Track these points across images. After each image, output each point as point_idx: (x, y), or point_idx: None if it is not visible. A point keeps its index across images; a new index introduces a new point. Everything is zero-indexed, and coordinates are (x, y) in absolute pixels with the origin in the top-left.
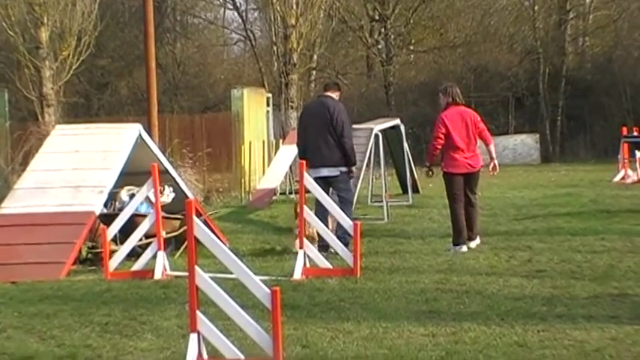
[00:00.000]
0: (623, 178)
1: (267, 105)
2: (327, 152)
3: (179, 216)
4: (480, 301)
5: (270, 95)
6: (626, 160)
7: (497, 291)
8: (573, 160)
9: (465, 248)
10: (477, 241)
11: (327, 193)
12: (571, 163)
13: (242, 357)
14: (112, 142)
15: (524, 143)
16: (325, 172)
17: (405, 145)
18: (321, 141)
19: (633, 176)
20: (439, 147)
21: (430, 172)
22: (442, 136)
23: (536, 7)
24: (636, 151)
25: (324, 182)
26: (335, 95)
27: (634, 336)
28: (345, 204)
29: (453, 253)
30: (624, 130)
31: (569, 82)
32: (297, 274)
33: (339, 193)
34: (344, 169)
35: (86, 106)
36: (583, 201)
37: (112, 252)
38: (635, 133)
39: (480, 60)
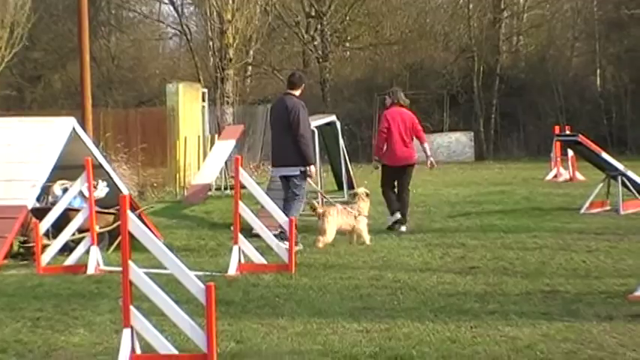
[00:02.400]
0: (555, 176)
1: (203, 100)
2: (285, 152)
3: (113, 211)
4: (414, 298)
5: (205, 90)
6: (559, 159)
7: (431, 287)
8: (507, 158)
9: (398, 215)
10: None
11: (284, 191)
12: (504, 161)
13: (175, 352)
14: (45, 136)
15: (459, 141)
16: (284, 171)
17: (341, 141)
18: (281, 140)
19: (565, 174)
20: (383, 140)
21: (378, 166)
22: (385, 130)
23: (470, 6)
24: (568, 150)
25: (283, 180)
26: (297, 92)
27: (564, 332)
28: (293, 202)
29: (389, 220)
30: (556, 129)
31: (503, 81)
32: (232, 270)
33: (293, 189)
34: (303, 168)
35: (19, 99)
36: (516, 199)
37: (45, 246)
38: (568, 132)
39: (416, 57)
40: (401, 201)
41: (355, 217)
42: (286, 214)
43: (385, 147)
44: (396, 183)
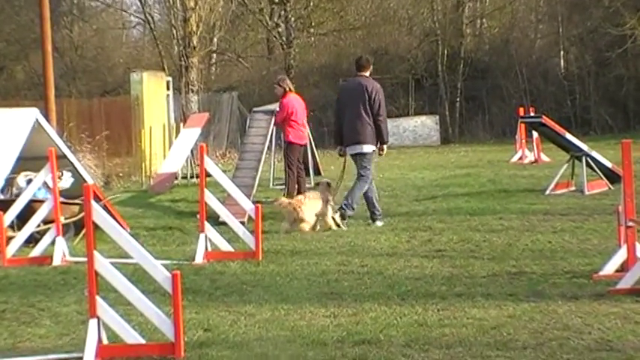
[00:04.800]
0: (520, 158)
1: (167, 89)
2: (362, 130)
3: (78, 201)
4: (381, 282)
5: (170, 79)
6: (523, 141)
7: (398, 271)
8: (472, 141)
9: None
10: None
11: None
12: (470, 144)
13: (143, 341)
14: (8, 127)
15: (424, 125)
16: (359, 149)
17: (307, 127)
18: (358, 119)
19: (530, 156)
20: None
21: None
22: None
23: None
24: (533, 132)
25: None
26: (367, 73)
27: (531, 312)
28: (362, 181)
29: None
30: (521, 111)
31: (468, 64)
32: (199, 258)
33: (361, 170)
34: (375, 147)
35: None
36: (482, 181)
37: (9, 238)
38: (532, 114)
39: (380, 42)
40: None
41: (326, 204)
42: (350, 196)
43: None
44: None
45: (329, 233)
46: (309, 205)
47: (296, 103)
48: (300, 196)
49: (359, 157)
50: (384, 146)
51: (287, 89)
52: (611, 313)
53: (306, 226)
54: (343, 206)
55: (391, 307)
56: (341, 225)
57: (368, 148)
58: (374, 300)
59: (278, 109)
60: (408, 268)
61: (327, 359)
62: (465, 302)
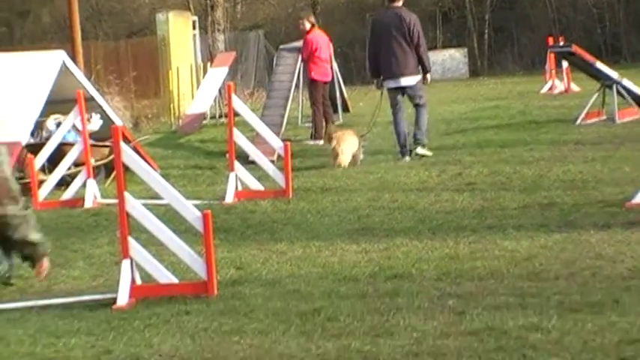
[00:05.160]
0: (550, 88)
1: (194, 28)
2: (405, 62)
3: (107, 143)
4: (412, 216)
5: (195, 18)
6: (553, 71)
7: (429, 205)
8: (501, 73)
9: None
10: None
11: (398, 103)
12: (499, 76)
13: (176, 281)
14: (35, 71)
15: (453, 58)
16: (404, 81)
17: (335, 64)
18: (399, 51)
19: (560, 86)
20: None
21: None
22: None
23: None
24: (563, 61)
25: (399, 91)
26: (400, 3)
27: (562, 243)
28: (422, 111)
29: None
30: (550, 41)
31: None
32: (229, 198)
33: (417, 101)
34: (420, 77)
35: (8, 34)
36: (511, 113)
37: (41, 182)
38: (562, 43)
39: None
40: None
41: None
42: (419, 128)
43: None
44: None
45: (359, 170)
46: (349, 141)
47: (320, 39)
48: (341, 132)
49: (408, 90)
50: (428, 75)
51: (312, 25)
52: None
53: (345, 160)
54: (418, 138)
55: (422, 241)
56: (426, 153)
57: (414, 79)
58: (405, 235)
59: (302, 45)
60: (439, 202)
61: (360, 294)
62: (497, 234)
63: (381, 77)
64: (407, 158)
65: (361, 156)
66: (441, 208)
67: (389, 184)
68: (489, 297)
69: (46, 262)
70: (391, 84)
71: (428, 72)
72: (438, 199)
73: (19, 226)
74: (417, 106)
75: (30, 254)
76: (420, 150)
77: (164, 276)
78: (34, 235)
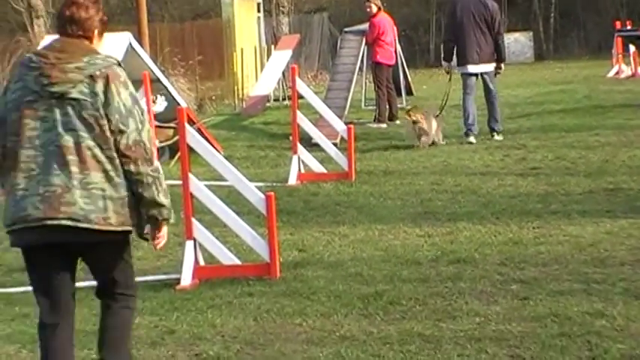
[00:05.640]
0: (617, 73)
1: (258, 11)
2: (486, 49)
3: (172, 125)
4: (475, 201)
5: (260, 1)
6: (620, 55)
7: (492, 190)
8: (567, 56)
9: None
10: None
11: (471, 87)
12: (565, 60)
13: (239, 262)
14: (102, 52)
15: (518, 41)
16: (484, 67)
17: (398, 47)
18: (482, 38)
19: (627, 71)
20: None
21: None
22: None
23: None
24: (630, 45)
25: (475, 77)
26: None
27: (628, 229)
28: (494, 97)
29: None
30: (618, 25)
31: None
32: (292, 180)
33: (491, 86)
34: (495, 64)
35: None
36: (577, 97)
37: None
38: (629, 27)
39: None
40: None
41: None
42: (493, 117)
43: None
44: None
45: (422, 153)
46: (429, 121)
47: (386, 22)
48: (423, 112)
49: (486, 75)
50: (502, 64)
51: (378, 8)
52: None
53: (426, 140)
54: (495, 127)
55: (486, 225)
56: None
57: (491, 66)
58: (468, 219)
59: (368, 28)
60: (503, 187)
61: (422, 278)
62: (561, 220)
63: (456, 61)
64: (472, 138)
65: (442, 137)
66: (505, 192)
67: (452, 167)
68: (553, 283)
69: (165, 229)
70: (470, 69)
71: (503, 61)
72: (502, 183)
73: (151, 185)
74: (489, 92)
75: (154, 215)
76: (497, 137)
77: (227, 257)
78: (163, 198)
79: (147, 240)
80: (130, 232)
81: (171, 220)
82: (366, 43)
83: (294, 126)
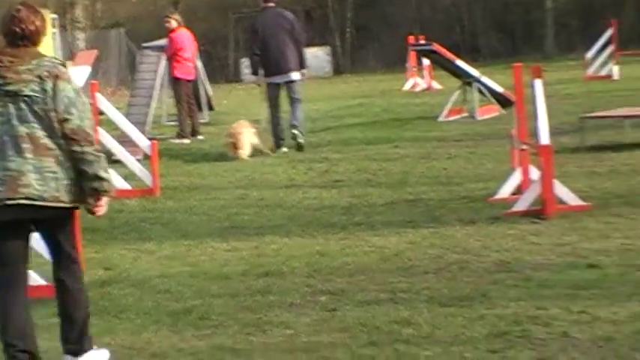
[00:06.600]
0: (413, 86)
1: (53, 27)
2: (292, 58)
3: None
4: (281, 214)
5: (55, 16)
6: (415, 69)
7: (297, 203)
8: (364, 70)
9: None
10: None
11: (278, 97)
12: (362, 74)
13: (44, 283)
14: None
15: (316, 56)
16: (292, 76)
17: (199, 62)
18: (287, 49)
19: (422, 84)
20: None
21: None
22: None
23: None
24: (424, 59)
25: (282, 87)
26: (273, 4)
27: (430, 238)
28: (299, 105)
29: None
30: (411, 39)
31: None
32: None
33: (296, 95)
34: (302, 72)
35: None
36: (375, 110)
37: None
38: (422, 42)
39: None
40: None
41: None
42: (296, 119)
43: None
44: None
45: (227, 167)
46: (247, 133)
47: (185, 37)
48: (237, 124)
49: (293, 84)
50: (305, 71)
51: (178, 24)
52: (508, 235)
53: (244, 153)
54: (297, 127)
55: (292, 238)
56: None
57: (298, 74)
58: (275, 232)
59: (167, 44)
60: (307, 200)
61: (232, 292)
62: (365, 231)
63: (264, 73)
64: (284, 149)
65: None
66: (310, 205)
67: (257, 181)
68: (360, 293)
69: (105, 200)
70: (278, 79)
71: (306, 68)
72: (306, 196)
73: (92, 162)
74: (296, 100)
75: (96, 188)
76: (300, 139)
77: (32, 279)
78: (104, 173)
79: (92, 213)
80: (77, 208)
81: (112, 193)
82: (166, 59)
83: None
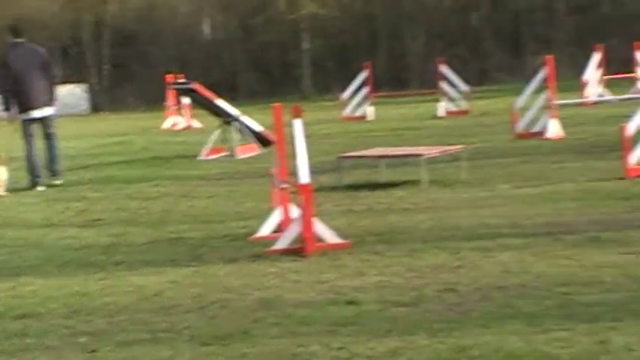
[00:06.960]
0: (172, 125)
1: None
2: (45, 93)
3: None
4: (38, 254)
5: None
6: (174, 107)
7: (55, 242)
8: (123, 108)
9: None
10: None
11: (33, 134)
12: (121, 112)
13: None
14: None
15: (72, 93)
16: (47, 111)
17: None
18: (41, 85)
19: (182, 122)
20: None
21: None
22: None
23: None
24: (184, 98)
25: (35, 122)
26: (24, 39)
27: (191, 277)
28: (54, 140)
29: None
30: (169, 78)
31: (114, 31)
32: None
33: (51, 130)
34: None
35: None
36: (135, 149)
37: None
38: (182, 80)
39: (20, 9)
40: None
41: None
42: (55, 156)
43: None
44: None
45: None
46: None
47: None
48: None
49: (48, 119)
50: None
51: None
52: (269, 273)
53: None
54: (55, 170)
55: (50, 279)
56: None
57: (53, 109)
58: (32, 273)
59: None
60: (65, 239)
61: None
62: (126, 270)
63: (18, 110)
64: (40, 187)
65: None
66: (68, 244)
67: (12, 220)
68: (121, 333)
69: None
70: (34, 114)
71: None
72: (64, 235)
73: None
74: (51, 136)
75: None
76: (57, 181)
77: None
78: None
79: None
80: None
81: None
82: None
83: None
